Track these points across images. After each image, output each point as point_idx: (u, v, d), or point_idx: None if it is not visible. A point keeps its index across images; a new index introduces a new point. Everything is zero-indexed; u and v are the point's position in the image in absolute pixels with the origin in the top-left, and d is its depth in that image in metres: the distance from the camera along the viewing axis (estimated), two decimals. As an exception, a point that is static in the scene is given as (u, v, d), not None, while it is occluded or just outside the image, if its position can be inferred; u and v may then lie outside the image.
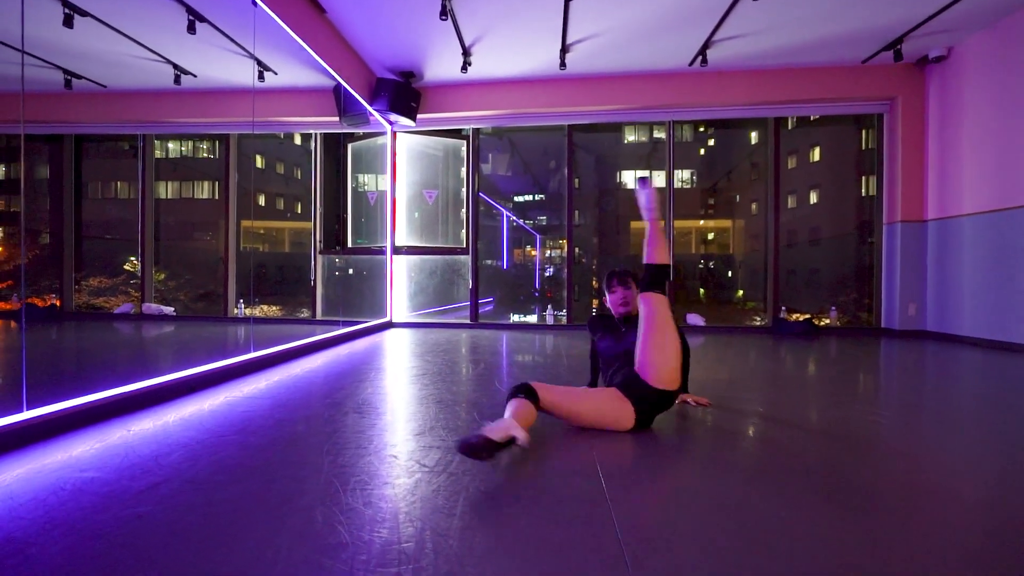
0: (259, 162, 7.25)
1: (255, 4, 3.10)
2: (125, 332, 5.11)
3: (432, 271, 6.29)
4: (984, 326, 4.20)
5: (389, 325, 5.70)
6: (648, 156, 8.38)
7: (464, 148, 5.89)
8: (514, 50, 4.59)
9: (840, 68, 4.91)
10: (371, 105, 4.95)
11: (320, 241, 5.89)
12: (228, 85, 5.24)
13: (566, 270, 5.96)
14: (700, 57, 4.61)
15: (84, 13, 3.70)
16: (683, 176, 10.19)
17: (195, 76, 4.91)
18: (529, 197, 8.70)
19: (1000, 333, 4.05)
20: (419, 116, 5.38)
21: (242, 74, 4.95)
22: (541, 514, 1.18)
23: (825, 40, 4.43)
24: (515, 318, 6.33)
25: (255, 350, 3.07)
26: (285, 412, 2.10)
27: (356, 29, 4.28)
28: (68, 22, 3.66)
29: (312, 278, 5.89)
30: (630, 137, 9.28)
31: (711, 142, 10.08)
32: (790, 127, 8.54)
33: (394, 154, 5.75)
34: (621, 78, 5.14)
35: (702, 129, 9.96)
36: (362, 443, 1.70)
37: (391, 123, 5.52)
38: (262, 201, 7.19)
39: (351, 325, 4.98)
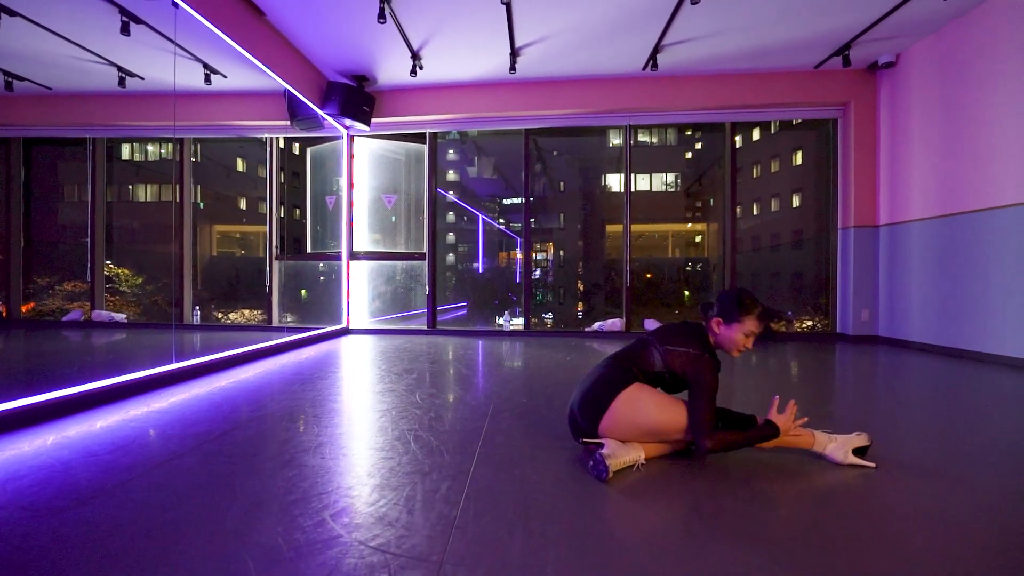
0: (240, 165, 7.16)
1: (175, 5, 3.02)
2: (60, 340, 4.98)
3: (391, 277, 6.22)
4: (930, 332, 4.20)
5: (346, 331, 5.61)
6: (620, 159, 8.35)
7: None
8: (464, 53, 4.54)
9: (794, 73, 4.92)
10: (322, 109, 4.88)
11: (276, 246, 5.79)
12: (179, 88, 5.14)
13: (524, 274, 5.89)
14: (651, 62, 4.59)
15: (12, 13, 3.60)
16: (667, 180, 10.23)
17: (142, 79, 4.82)
18: (518, 200, 8.68)
19: (945, 339, 4.05)
20: (374, 120, 5.32)
21: (191, 77, 4.87)
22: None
23: (776, 45, 4.42)
24: (499, 322, 6.25)
25: (176, 361, 2.98)
26: (179, 429, 2.02)
27: (301, 32, 4.21)
28: (-7, 23, 3.56)
29: (268, 284, 5.79)
30: (615, 141, 9.29)
31: (698, 145, 10.13)
32: (772, 131, 8.62)
33: (351, 158, 5.68)
34: (576, 82, 5.11)
35: (688, 133, 10.00)
36: (217, 487, 1.63)
37: (347, 127, 5.45)
38: (243, 205, 7.10)
39: (305, 332, 4.89)
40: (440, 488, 1.41)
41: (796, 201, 7.78)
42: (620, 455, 1.52)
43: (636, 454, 1.55)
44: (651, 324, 5.61)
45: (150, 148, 6.21)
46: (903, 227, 4.51)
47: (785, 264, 6.68)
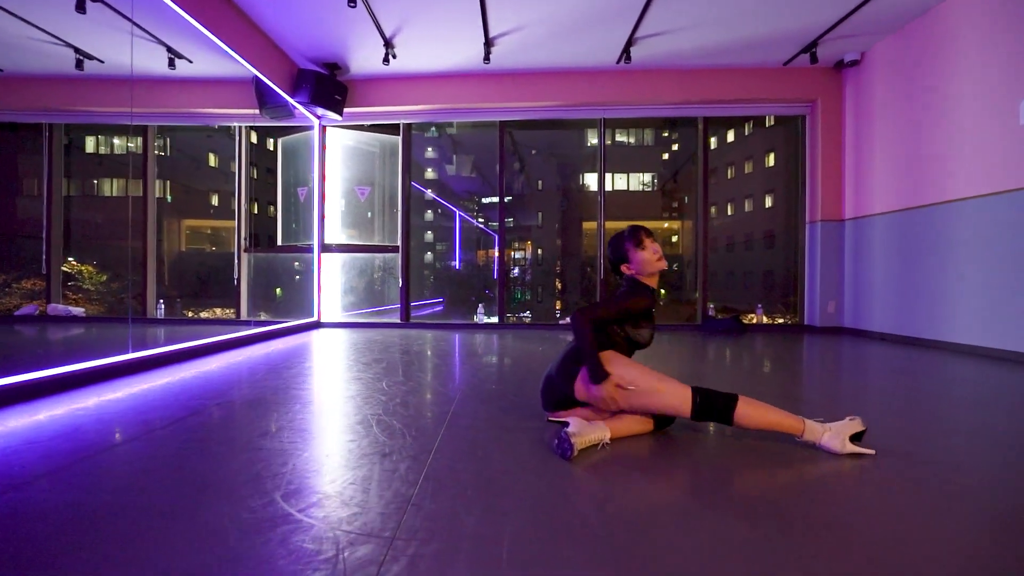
0: (212, 160, 6.94)
1: (131, -19, 2.90)
2: (10, 335, 4.75)
3: (364, 270, 6.12)
4: (890, 321, 4.32)
5: (317, 325, 5.50)
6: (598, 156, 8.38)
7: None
8: (438, 43, 4.49)
9: (763, 70, 5.00)
10: (292, 97, 4.76)
11: (245, 239, 5.63)
12: (141, 73, 4.95)
13: (498, 270, 5.85)
14: (625, 54, 4.61)
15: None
16: (644, 179, 10.34)
17: (102, 62, 4.62)
18: (496, 199, 8.65)
19: (904, 328, 4.17)
20: (347, 110, 5.22)
21: (154, 62, 4.69)
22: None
23: (747, 41, 4.49)
24: (476, 319, 6.18)
25: (133, 351, 2.86)
26: (131, 417, 1.93)
27: (270, 16, 4.10)
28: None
29: (236, 277, 5.63)
30: (593, 140, 9.33)
31: (675, 147, 10.27)
32: (747, 132, 8.78)
33: (323, 149, 5.56)
34: (551, 74, 5.11)
35: (666, 134, 10.12)
36: (163, 471, 1.55)
37: (318, 117, 5.33)
38: (216, 200, 6.89)
39: (274, 324, 4.77)
40: (399, 468, 1.37)
41: (769, 201, 7.97)
42: (585, 433, 1.51)
43: (601, 433, 1.54)
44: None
45: (116, 141, 5.99)
46: (867, 221, 4.63)
47: (757, 263, 6.82)
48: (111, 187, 6.12)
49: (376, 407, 2.04)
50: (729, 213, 8.38)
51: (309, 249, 5.63)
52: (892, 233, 4.32)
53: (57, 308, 5.45)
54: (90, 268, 5.84)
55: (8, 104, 5.00)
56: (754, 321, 5.44)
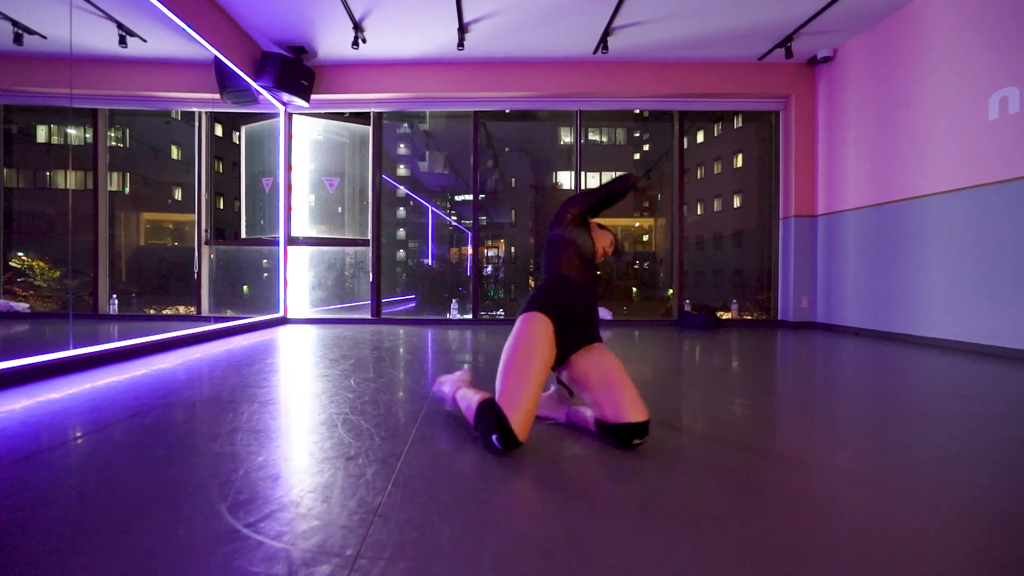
0: (175, 153, 6.56)
1: (70, -57, 2.65)
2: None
3: (333, 264, 5.89)
4: (863, 316, 4.38)
5: (284, 321, 5.26)
6: (572, 154, 8.32)
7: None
8: (410, 27, 4.32)
9: (739, 64, 5.01)
10: (256, 81, 4.51)
11: (206, 231, 5.34)
12: (89, 51, 4.62)
13: (470, 266, 5.72)
14: (602, 44, 4.53)
15: None
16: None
17: (44, 37, 4.27)
18: (468, 197, 8.49)
19: (877, 322, 4.23)
20: (314, 97, 4.99)
21: (102, 39, 4.38)
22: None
23: (724, 34, 4.47)
24: (449, 316, 6.00)
25: (74, 347, 2.62)
26: (62, 419, 1.73)
27: (229, -7, 3.86)
28: None
29: (196, 271, 5.33)
30: (566, 139, 9.27)
31: (646, 147, 10.31)
32: (716, 133, 8.87)
33: (289, 137, 5.31)
34: (527, 64, 4.99)
35: (637, 135, 10.16)
36: (92, 481, 1.38)
37: (284, 103, 5.08)
38: (179, 195, 6.51)
39: (236, 320, 4.52)
40: (365, 473, 1.24)
41: (737, 201, 8.07)
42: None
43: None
44: (602, 312, 5.59)
45: (72, 131, 5.59)
46: (839, 216, 4.69)
47: (727, 261, 6.88)
48: (64, 179, 5.72)
49: (343, 405, 1.89)
50: (699, 212, 8.47)
51: (274, 242, 5.37)
52: (864, 228, 4.37)
53: (-3, 304, 5.05)
54: (42, 264, 5.45)
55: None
56: (729, 317, 5.45)
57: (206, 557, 0.86)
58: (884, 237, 4.14)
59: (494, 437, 1.31)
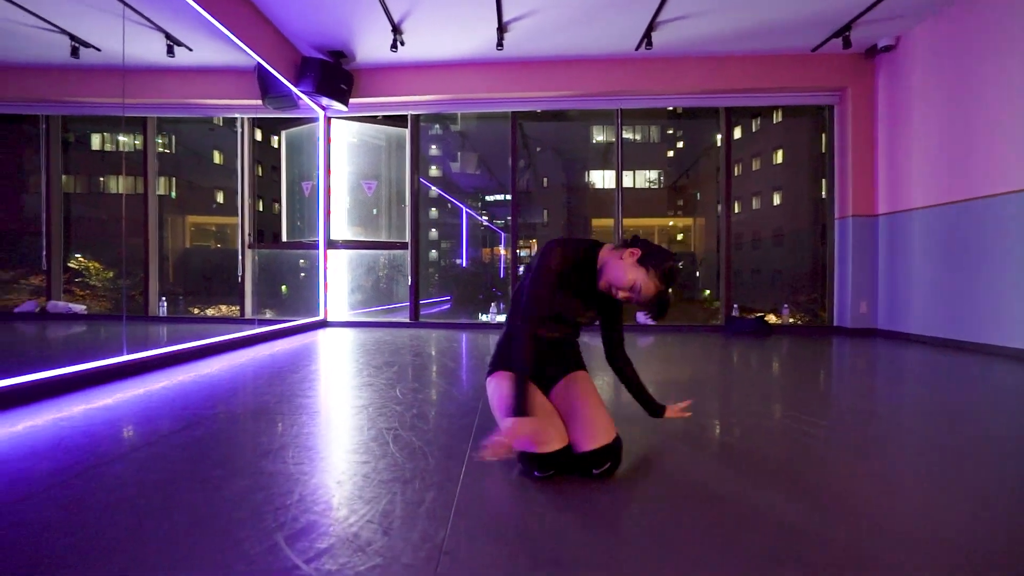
0: (217, 158, 6.77)
1: (124, -45, 2.70)
2: (6, 333, 4.56)
3: (372, 267, 5.92)
4: (932, 323, 4.07)
5: (323, 324, 5.30)
6: (606, 154, 8.16)
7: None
8: (448, 28, 4.26)
9: (790, 56, 4.75)
10: (296, 86, 4.55)
11: (249, 234, 5.44)
12: (139, 62, 4.77)
13: (503, 267, 5.63)
14: (646, 40, 4.37)
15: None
16: (650, 176, 10.13)
17: (99, 50, 4.42)
18: (500, 196, 8.43)
19: (948, 331, 3.92)
20: (353, 101, 5.01)
21: (151, 50, 4.50)
22: None
23: (775, 24, 4.24)
24: (484, 318, 5.92)
25: (128, 353, 2.66)
26: (116, 430, 1.73)
27: (273, 1, 3.89)
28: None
29: (240, 274, 5.44)
30: (599, 137, 9.11)
31: (680, 144, 10.03)
32: (754, 129, 8.53)
33: (328, 141, 5.35)
34: (566, 62, 4.87)
35: (671, 131, 9.89)
36: (146, 502, 1.35)
37: (324, 108, 5.12)
38: (221, 197, 6.72)
39: (279, 324, 4.58)
40: (424, 499, 1.16)
41: (778, 199, 7.72)
42: None
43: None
44: (642, 317, 5.40)
45: (122, 138, 5.82)
46: (904, 216, 4.38)
47: (766, 262, 6.59)
48: (116, 184, 5.96)
49: (391, 419, 1.83)
50: (736, 211, 8.17)
51: (314, 245, 5.43)
52: (934, 228, 4.06)
53: (57, 305, 5.28)
54: (97, 265, 5.70)
55: (3, 94, 4.82)
56: (779, 322, 5.19)
57: (267, 600, 0.79)
58: (957, 237, 3.84)
59: (535, 473, 1.26)
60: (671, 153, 10.21)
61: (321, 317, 5.28)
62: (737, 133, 7.83)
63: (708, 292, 7.19)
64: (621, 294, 1.35)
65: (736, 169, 7.94)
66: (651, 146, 10.33)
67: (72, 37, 4.22)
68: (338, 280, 5.59)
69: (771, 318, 5.25)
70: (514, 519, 1.07)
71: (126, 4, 3.56)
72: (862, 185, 4.72)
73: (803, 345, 4.02)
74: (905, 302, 4.36)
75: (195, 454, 1.47)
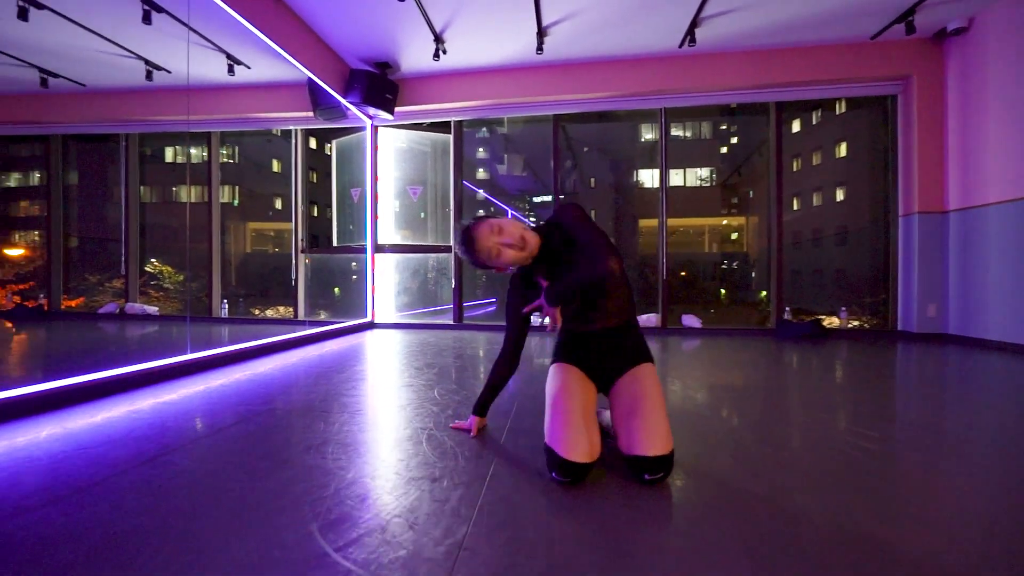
0: (276, 166, 7.22)
1: (190, -14, 2.93)
2: (92, 331, 5.01)
3: (417, 270, 6.08)
4: (1015, 329, 3.73)
5: (371, 325, 5.50)
6: (653, 152, 8.00)
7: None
8: (488, 35, 4.33)
9: (847, 46, 4.49)
10: (344, 98, 4.76)
11: (302, 240, 5.73)
12: (204, 81, 5.13)
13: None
14: (689, 37, 4.27)
15: (40, 5, 3.60)
16: (701, 174, 9.79)
17: (169, 72, 4.80)
18: (547, 198, 8.47)
19: (1030, 336, 3.59)
20: (398, 109, 5.18)
21: (214, 69, 4.83)
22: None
23: (830, 13, 4.03)
24: (536, 320, 5.97)
25: (191, 352, 2.88)
26: (181, 422, 1.88)
27: (322, 18, 4.09)
28: (23, 15, 3.56)
29: (293, 278, 5.74)
30: (647, 135, 8.94)
31: (734, 140, 9.66)
32: (815, 121, 8.10)
33: (375, 149, 5.56)
34: (607, 63, 4.83)
35: (724, 127, 9.53)
36: (201, 489, 1.46)
37: (370, 117, 5.33)
38: (279, 204, 7.15)
39: (328, 325, 4.80)
40: (450, 498, 1.20)
41: (840, 195, 7.27)
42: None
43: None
44: (689, 320, 5.27)
45: (193, 151, 6.31)
46: (978, 212, 4.04)
47: (828, 261, 6.23)
48: (187, 193, 6.45)
49: (427, 419, 1.89)
50: (795, 208, 7.76)
51: (362, 250, 5.64)
52: (1015, 224, 3.72)
53: (134, 307, 5.77)
54: (169, 268, 6.18)
55: (89, 116, 5.33)
56: (836, 325, 4.91)
57: (298, 585, 0.85)
58: (1039, 235, 3.50)
59: (553, 474, 1.28)
60: (724, 149, 9.83)
61: (368, 319, 5.48)
62: (796, 126, 7.47)
63: (764, 294, 6.89)
64: (502, 261, 1.45)
65: (795, 164, 7.57)
66: (702, 143, 9.97)
67: (146, 62, 4.60)
68: (385, 283, 5.79)
69: (833, 321, 4.97)
70: (536, 522, 1.09)
71: (191, 29, 3.85)
72: (929, 180, 4.39)
73: (863, 351, 3.78)
74: (981, 305, 4.02)
75: (245, 447, 1.58)
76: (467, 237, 1.45)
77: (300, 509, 1.13)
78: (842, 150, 7.27)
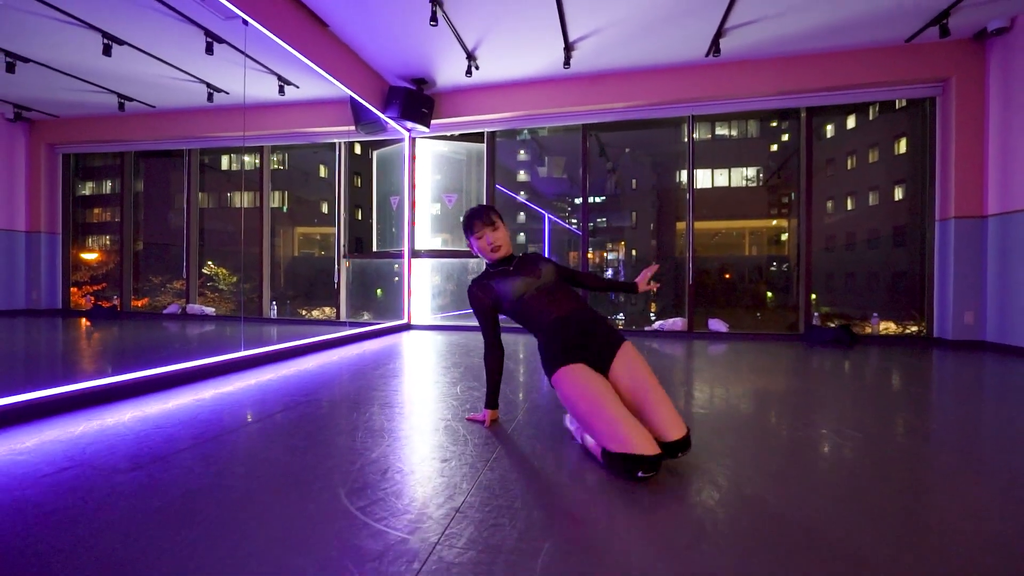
0: (322, 171, 7.71)
1: (245, 23, 3.28)
2: (158, 330, 5.54)
3: (452, 274, 6.36)
4: (1052, 337, 3.61)
5: (407, 327, 5.81)
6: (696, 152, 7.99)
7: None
8: (517, 51, 4.55)
9: (880, 49, 4.44)
10: (384, 113, 5.09)
11: (344, 245, 6.12)
12: (257, 100, 5.60)
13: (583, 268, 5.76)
14: (714, 47, 4.34)
15: (121, 42, 4.09)
16: (747, 174, 9.51)
17: (227, 93, 5.28)
18: (590, 199, 8.59)
19: (1072, 345, 3.46)
20: (434, 122, 5.47)
21: (267, 89, 5.27)
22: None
23: (860, 18, 4.01)
24: None
25: (244, 349, 3.23)
26: (236, 409, 2.18)
27: (362, 41, 4.42)
28: (107, 51, 4.06)
29: (336, 281, 6.13)
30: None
31: (784, 137, 9.37)
32: (850, 125, 7.85)
33: (412, 159, 5.88)
34: (633, 74, 4.95)
35: (774, 124, 9.26)
36: (251, 460, 1.73)
37: (408, 130, 5.65)
38: (325, 208, 7.64)
39: (367, 326, 5.13)
40: (456, 475, 1.41)
41: (874, 199, 7.02)
42: None
43: None
44: (716, 324, 5.30)
45: (246, 159, 6.84)
46: (1019, 217, 3.92)
47: (861, 264, 6.07)
48: (241, 200, 6.98)
49: (447, 412, 2.11)
50: (829, 210, 7.52)
51: (401, 255, 5.97)
52: (1051, 230, 3.60)
53: (194, 308, 6.32)
54: (224, 271, 6.72)
55: (158, 134, 5.91)
56: (867, 331, 4.83)
57: (327, 528, 1.08)
58: (1080, 241, 3.38)
59: (639, 474, 1.33)
60: (774, 147, 9.47)
61: (405, 320, 5.80)
62: (850, 123, 7.26)
63: (815, 297, 6.80)
64: (490, 247, 1.88)
65: (849, 162, 7.34)
66: (749, 141, 9.59)
67: (208, 85, 5.09)
68: (422, 286, 6.10)
69: (866, 328, 4.89)
70: (523, 495, 1.28)
71: (247, 56, 4.25)
72: (968, 183, 4.28)
73: (893, 358, 3.74)
74: (1020, 312, 3.89)
75: (288, 431, 1.85)
76: (478, 211, 1.92)
77: (331, 478, 1.37)
78: (875, 154, 7.01)
